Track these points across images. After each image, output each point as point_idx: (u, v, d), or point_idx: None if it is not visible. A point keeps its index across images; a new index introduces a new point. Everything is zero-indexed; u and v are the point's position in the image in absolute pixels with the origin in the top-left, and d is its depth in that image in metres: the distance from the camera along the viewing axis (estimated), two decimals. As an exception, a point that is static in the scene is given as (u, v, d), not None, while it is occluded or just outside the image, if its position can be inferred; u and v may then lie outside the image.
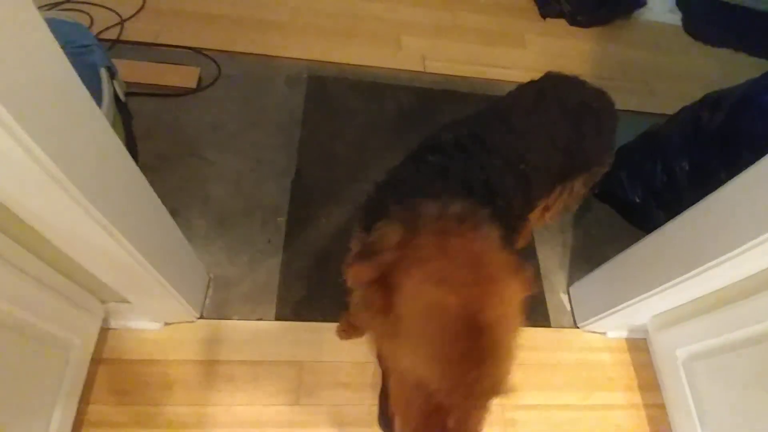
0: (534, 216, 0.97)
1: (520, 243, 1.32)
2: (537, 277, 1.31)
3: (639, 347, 1.22)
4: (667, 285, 0.93)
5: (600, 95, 0.94)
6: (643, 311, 1.07)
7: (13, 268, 0.68)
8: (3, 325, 0.68)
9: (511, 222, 0.69)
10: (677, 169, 1.28)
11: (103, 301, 0.95)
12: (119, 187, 0.67)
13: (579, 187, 0.94)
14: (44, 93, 0.48)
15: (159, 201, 0.83)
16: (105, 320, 1.00)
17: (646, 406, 1.16)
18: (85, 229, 0.63)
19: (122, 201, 0.68)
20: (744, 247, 0.77)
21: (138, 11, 1.57)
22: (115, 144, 0.65)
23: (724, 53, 2.08)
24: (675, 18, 2.14)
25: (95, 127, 0.60)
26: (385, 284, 0.44)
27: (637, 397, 1.16)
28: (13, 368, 0.70)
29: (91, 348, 0.92)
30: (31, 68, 0.46)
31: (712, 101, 1.25)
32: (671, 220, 0.94)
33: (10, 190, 0.54)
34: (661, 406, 1.14)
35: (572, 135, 0.83)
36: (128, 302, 0.94)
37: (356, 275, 0.46)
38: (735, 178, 0.80)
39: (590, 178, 0.95)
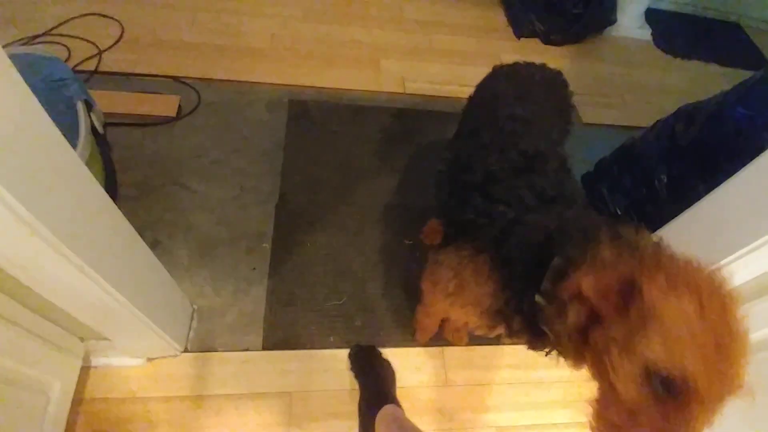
0: None
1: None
2: (525, 293, 1.31)
3: (630, 359, 1.22)
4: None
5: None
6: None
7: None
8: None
9: None
10: (656, 182, 1.31)
11: (82, 339, 0.92)
12: (92, 224, 0.66)
13: None
14: (8, 133, 0.47)
15: (137, 235, 0.81)
16: (85, 358, 0.96)
17: (641, 419, 1.15)
18: (57, 269, 0.61)
19: (96, 238, 0.66)
20: (728, 259, 0.78)
21: (116, 42, 1.57)
22: (87, 181, 0.63)
23: (695, 65, 2.15)
24: (645, 33, 2.22)
25: (66, 165, 0.59)
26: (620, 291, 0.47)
27: (631, 411, 1.15)
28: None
29: (71, 389, 0.88)
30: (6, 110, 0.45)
31: (686, 114, 1.28)
32: (658, 232, 0.95)
33: None
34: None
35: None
36: (108, 339, 0.91)
37: (596, 285, 0.49)
38: (709, 194, 0.82)
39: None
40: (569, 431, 1.10)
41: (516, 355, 1.19)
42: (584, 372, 1.14)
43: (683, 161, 1.21)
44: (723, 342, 0.43)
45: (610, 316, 0.48)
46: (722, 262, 0.78)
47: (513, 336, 0.69)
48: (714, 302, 0.44)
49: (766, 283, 0.83)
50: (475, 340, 1.18)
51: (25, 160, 0.50)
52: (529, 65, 1.00)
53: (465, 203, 0.77)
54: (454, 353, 1.16)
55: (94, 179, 0.65)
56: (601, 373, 0.50)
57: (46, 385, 0.81)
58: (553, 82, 0.98)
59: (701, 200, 0.83)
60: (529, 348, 0.68)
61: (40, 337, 0.79)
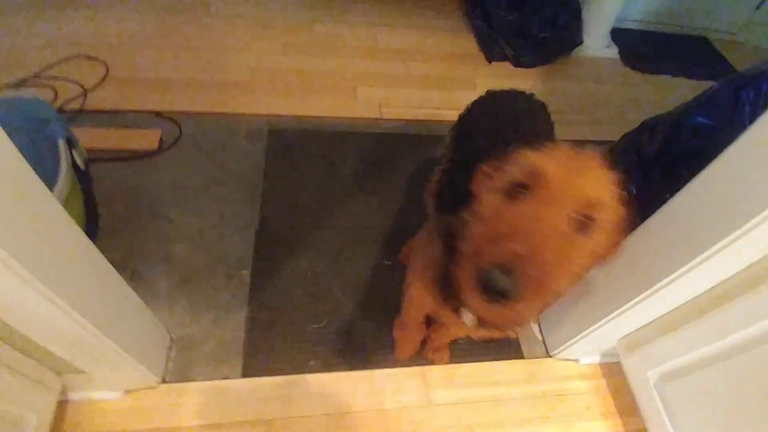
0: None
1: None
2: (506, 308, 1.31)
3: (614, 372, 1.22)
4: (626, 306, 0.95)
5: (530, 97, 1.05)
6: (609, 334, 1.08)
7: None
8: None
9: None
10: (626, 194, 1.34)
11: (58, 373, 0.91)
12: (65, 259, 0.67)
13: None
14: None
15: (111, 268, 0.83)
16: (63, 393, 0.95)
17: None
18: (29, 302, 0.62)
19: (69, 272, 0.68)
20: (690, 264, 0.80)
21: (100, 82, 1.62)
22: (62, 219, 0.66)
23: (664, 79, 2.23)
24: (612, 52, 2.31)
25: (40, 204, 0.61)
26: None
27: (618, 424, 1.15)
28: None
29: (48, 423, 0.87)
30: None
31: (649, 126, 1.33)
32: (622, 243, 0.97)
33: None
34: (644, 431, 1.13)
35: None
36: (84, 373, 0.91)
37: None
38: (674, 197, 0.85)
39: None
40: (554, 446, 1.09)
41: (498, 372, 1.19)
42: (565, 386, 1.14)
43: (650, 172, 1.25)
44: (576, 172, 0.54)
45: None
46: (682, 269, 0.81)
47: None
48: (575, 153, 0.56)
49: (725, 291, 0.84)
50: (457, 359, 1.18)
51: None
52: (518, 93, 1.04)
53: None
54: (436, 373, 1.16)
55: (68, 217, 0.67)
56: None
57: (21, 419, 0.80)
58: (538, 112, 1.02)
59: (665, 205, 0.86)
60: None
61: (15, 370, 0.79)
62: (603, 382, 1.21)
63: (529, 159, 0.54)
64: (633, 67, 2.28)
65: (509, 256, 0.46)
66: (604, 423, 1.14)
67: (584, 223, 0.52)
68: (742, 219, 0.68)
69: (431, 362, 1.17)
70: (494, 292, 0.46)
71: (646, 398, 1.05)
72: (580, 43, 2.22)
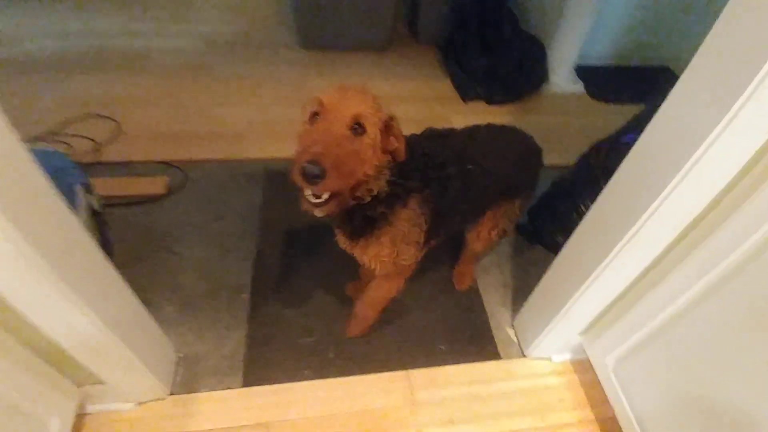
0: (484, 234, 1.26)
1: (465, 284, 1.48)
2: (484, 316, 1.43)
3: (585, 368, 1.32)
4: (573, 298, 1.09)
5: (532, 142, 1.24)
6: (568, 328, 1.20)
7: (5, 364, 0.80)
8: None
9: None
10: (583, 209, 1.50)
11: (79, 385, 1.04)
12: (96, 279, 0.85)
13: (516, 207, 1.23)
14: (32, 205, 0.67)
15: (129, 290, 0.99)
16: (81, 406, 1.07)
17: (599, 420, 1.23)
18: (69, 316, 0.78)
19: (98, 291, 0.85)
20: (612, 253, 0.94)
21: (112, 137, 1.84)
22: (89, 244, 0.83)
23: (628, 108, 2.42)
24: (578, 87, 2.54)
25: (75, 233, 0.79)
26: None
27: (589, 414, 1.24)
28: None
29: (68, 427, 0.99)
30: (26, 190, 0.65)
31: (596, 147, 1.51)
32: (566, 243, 1.12)
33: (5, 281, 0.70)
34: (614, 419, 1.21)
35: (517, 162, 1.16)
36: (102, 383, 1.04)
37: None
38: (597, 198, 1.01)
39: (524, 201, 1.24)
40: (530, 438, 1.18)
41: (476, 372, 1.29)
42: (539, 382, 1.28)
43: (596, 185, 1.40)
44: (345, 96, 0.79)
45: None
46: (613, 252, 0.95)
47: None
48: (345, 88, 0.79)
49: (651, 277, 0.98)
50: (438, 362, 1.29)
51: (47, 228, 0.69)
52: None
53: None
54: (418, 375, 1.27)
55: (95, 245, 0.84)
56: None
57: (46, 420, 0.92)
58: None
59: (590, 209, 1.02)
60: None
61: (42, 376, 0.92)
62: (575, 377, 1.30)
63: (316, 99, 0.80)
64: (598, 99, 2.50)
65: (312, 155, 0.71)
66: (575, 413, 1.23)
67: (356, 128, 0.79)
68: (637, 216, 0.84)
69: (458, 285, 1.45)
70: (310, 177, 0.71)
71: (608, 384, 1.15)
72: (547, 80, 2.46)
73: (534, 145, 1.25)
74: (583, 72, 2.57)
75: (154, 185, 1.66)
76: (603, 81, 2.56)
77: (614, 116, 2.38)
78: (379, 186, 0.89)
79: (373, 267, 1.03)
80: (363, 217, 0.93)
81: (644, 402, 1.04)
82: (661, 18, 2.52)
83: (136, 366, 1.02)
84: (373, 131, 0.80)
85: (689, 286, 0.90)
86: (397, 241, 0.97)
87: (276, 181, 1.76)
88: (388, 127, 0.84)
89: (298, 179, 0.74)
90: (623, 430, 1.13)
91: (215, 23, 2.68)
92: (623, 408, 1.09)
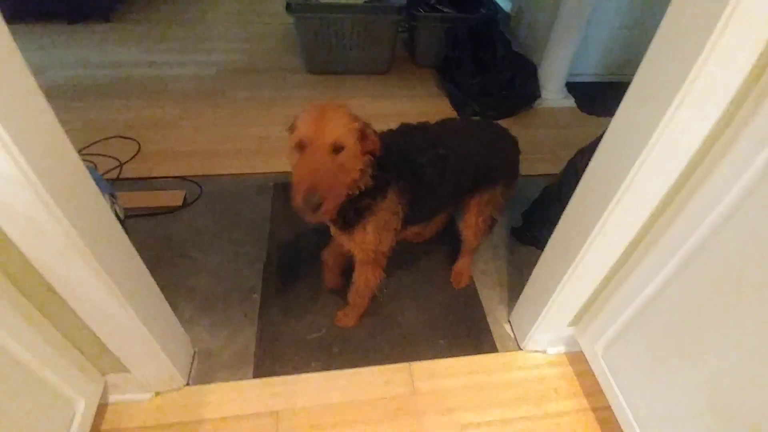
0: (472, 221, 1.36)
1: (462, 282, 1.56)
2: (481, 313, 1.51)
3: (578, 359, 1.37)
4: (559, 287, 1.17)
5: (505, 132, 1.35)
6: (557, 318, 1.27)
7: (38, 334, 0.90)
8: (29, 375, 0.87)
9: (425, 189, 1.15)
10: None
11: (103, 374, 1.13)
12: (132, 274, 0.97)
13: (498, 195, 1.31)
14: (85, 206, 0.78)
15: (156, 286, 1.10)
16: (102, 396, 1.16)
17: (595, 409, 1.28)
18: (106, 303, 0.89)
19: (133, 285, 0.96)
20: (587, 244, 1.03)
21: (133, 156, 1.98)
22: (126, 243, 0.95)
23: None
24: (569, 102, 2.67)
25: (114, 230, 0.91)
26: None
27: (584, 403, 1.29)
28: (30, 414, 0.87)
29: (93, 410, 1.07)
30: (83, 195, 0.76)
31: (581, 151, 1.61)
32: (549, 240, 1.21)
33: (56, 268, 0.80)
34: (609, 408, 1.26)
35: (488, 151, 1.26)
36: (127, 371, 1.12)
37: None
38: (572, 196, 1.10)
39: (506, 189, 1.32)
40: (525, 423, 1.23)
41: (475, 365, 1.36)
42: (535, 373, 1.36)
43: (583, 186, 1.50)
44: (319, 127, 0.89)
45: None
46: (580, 253, 1.04)
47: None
48: (319, 113, 0.91)
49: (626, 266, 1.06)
50: (437, 355, 1.36)
51: (95, 225, 0.80)
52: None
53: None
54: (420, 367, 1.33)
55: (129, 242, 0.96)
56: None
57: (73, 400, 1.01)
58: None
59: (567, 207, 1.13)
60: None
61: (74, 361, 1.01)
62: (569, 368, 1.36)
63: (298, 129, 0.91)
64: (589, 113, 2.62)
65: (306, 191, 0.85)
66: (571, 402, 1.28)
67: (338, 149, 0.90)
68: (603, 207, 0.94)
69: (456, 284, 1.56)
70: (313, 210, 0.86)
71: (599, 371, 1.21)
72: (539, 96, 2.59)
73: (507, 134, 1.36)
74: (574, 88, 2.70)
75: (172, 198, 1.78)
76: (592, 96, 2.68)
77: (604, 128, 2.50)
78: (366, 182, 1.00)
79: (355, 253, 1.15)
80: (354, 210, 1.04)
81: (633, 384, 1.10)
82: (643, 37, 2.66)
83: (160, 356, 1.11)
84: (351, 146, 0.92)
85: (660, 269, 0.98)
86: (379, 228, 1.09)
87: (284, 193, 1.88)
88: (363, 134, 0.95)
89: (301, 211, 0.87)
90: (616, 415, 1.18)
91: (226, 53, 2.88)
92: (615, 394, 1.15)
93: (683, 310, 0.94)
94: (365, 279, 1.27)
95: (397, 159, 1.08)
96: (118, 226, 0.92)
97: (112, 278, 0.86)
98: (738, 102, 0.76)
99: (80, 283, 0.83)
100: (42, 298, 0.88)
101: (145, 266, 1.04)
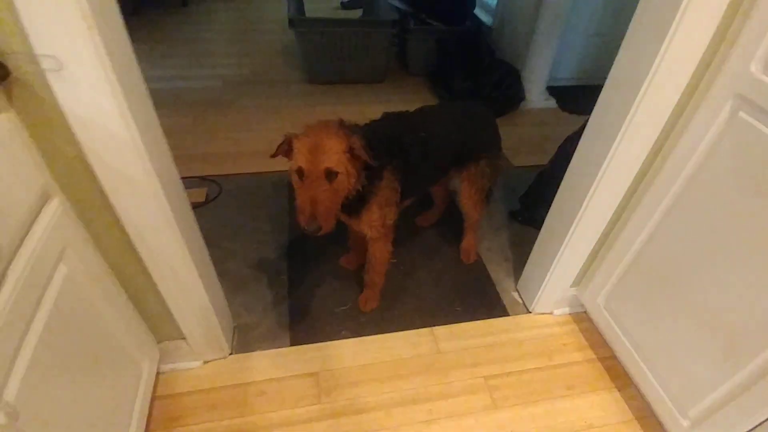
0: (468, 193, 1.52)
1: (471, 257, 1.71)
2: (490, 283, 1.66)
3: (583, 318, 1.53)
4: (560, 251, 1.33)
5: (481, 107, 1.52)
6: (560, 280, 1.43)
7: (119, 294, 1.01)
8: (109, 331, 0.98)
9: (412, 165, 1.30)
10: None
11: (159, 341, 1.23)
12: (202, 255, 1.11)
13: (485, 166, 1.47)
14: (179, 197, 0.92)
15: (211, 263, 1.22)
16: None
17: (601, 359, 1.43)
18: (177, 260, 1.01)
19: (203, 263, 1.11)
20: (581, 211, 1.21)
21: (155, 161, 2.10)
22: (195, 225, 1.08)
23: (595, 119, 2.78)
24: (551, 103, 2.90)
25: (190, 215, 1.05)
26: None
27: (591, 354, 1.44)
28: (110, 369, 0.98)
29: (154, 375, 1.17)
30: (177, 188, 0.90)
31: (569, 137, 1.81)
32: (548, 213, 1.39)
33: (144, 227, 0.93)
34: (613, 357, 1.42)
35: (465, 127, 1.43)
36: (182, 338, 1.23)
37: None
38: (566, 171, 1.29)
39: (491, 160, 1.49)
40: (539, 373, 1.37)
41: (489, 327, 1.50)
42: (544, 331, 1.53)
43: (574, 165, 1.69)
44: (314, 156, 1.03)
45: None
46: (576, 218, 1.22)
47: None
48: (313, 140, 1.04)
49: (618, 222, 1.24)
50: (456, 320, 1.50)
51: (182, 210, 0.94)
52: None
53: None
54: (441, 331, 1.47)
55: (190, 208, 1.09)
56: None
57: (140, 363, 1.11)
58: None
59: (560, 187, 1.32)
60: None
61: (141, 325, 1.12)
62: (575, 326, 1.52)
63: (296, 158, 1.07)
64: (569, 112, 2.85)
65: (307, 219, 1.02)
66: (579, 353, 1.43)
67: (332, 175, 1.05)
68: (594, 173, 1.11)
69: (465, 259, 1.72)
70: (313, 233, 1.04)
71: (603, 322, 1.36)
72: (524, 98, 2.81)
73: (482, 110, 1.54)
74: (554, 91, 2.94)
75: (195, 195, 1.90)
76: (571, 97, 2.92)
77: (583, 122, 2.73)
78: (361, 183, 1.15)
79: (366, 232, 1.29)
80: (358, 199, 1.19)
81: (635, 325, 1.25)
82: (615, 43, 2.92)
83: (213, 323, 1.23)
84: (343, 170, 1.06)
85: (647, 221, 1.15)
86: (382, 205, 1.24)
87: (299, 188, 2.02)
88: (352, 154, 1.07)
89: (306, 232, 1.05)
90: (622, 358, 1.32)
91: (230, 67, 3.04)
92: (622, 342, 1.30)
93: (670, 252, 1.11)
94: (378, 254, 1.40)
95: (386, 143, 1.23)
96: (186, 196, 1.04)
97: (186, 241, 0.99)
98: (691, 89, 0.98)
99: (161, 242, 0.96)
100: (121, 259, 0.99)
101: (201, 235, 1.16)
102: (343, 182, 1.08)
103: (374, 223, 1.27)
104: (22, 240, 0.71)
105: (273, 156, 1.14)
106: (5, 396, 0.61)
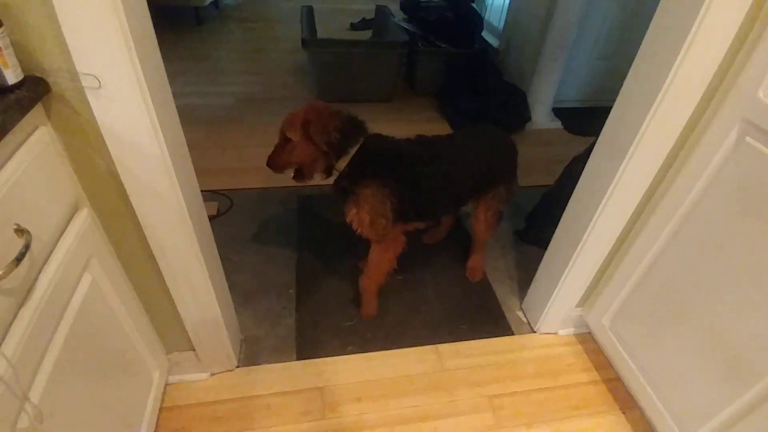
0: (482, 216, 1.55)
1: (477, 276, 1.73)
2: (496, 302, 1.67)
3: (588, 339, 1.54)
4: (565, 272, 1.35)
5: (505, 135, 1.57)
6: (565, 300, 1.44)
7: (135, 302, 1.03)
8: (125, 336, 1.00)
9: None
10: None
11: (168, 353, 1.25)
12: (213, 259, 1.14)
13: (502, 191, 1.52)
14: (198, 209, 0.95)
15: (224, 276, 1.25)
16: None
17: (605, 380, 1.43)
18: (193, 271, 1.04)
19: (214, 270, 1.15)
20: (585, 233, 1.24)
21: (168, 174, 2.14)
22: (211, 236, 1.12)
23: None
24: (557, 124, 2.95)
25: (207, 227, 1.08)
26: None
27: (596, 375, 1.44)
28: (122, 375, 1.00)
29: (163, 384, 1.18)
30: (197, 201, 0.94)
31: (575, 158, 1.84)
32: (553, 236, 1.42)
33: (164, 237, 0.96)
34: (618, 379, 1.42)
35: (490, 158, 1.49)
36: (192, 350, 1.24)
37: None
38: (573, 194, 1.32)
39: (508, 187, 1.53)
40: (544, 394, 1.38)
41: (494, 346, 1.51)
42: (549, 351, 1.54)
43: (580, 187, 1.72)
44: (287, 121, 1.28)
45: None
46: (581, 240, 1.24)
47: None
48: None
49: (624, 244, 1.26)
50: (461, 338, 1.51)
51: (194, 199, 0.97)
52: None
53: None
54: (446, 348, 1.48)
55: (208, 221, 1.12)
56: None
57: (152, 372, 1.13)
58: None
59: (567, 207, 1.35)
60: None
61: (153, 336, 1.14)
62: (579, 347, 1.53)
63: (285, 129, 1.30)
64: (575, 133, 2.90)
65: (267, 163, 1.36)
66: (584, 374, 1.44)
67: (286, 139, 1.29)
68: (599, 200, 1.15)
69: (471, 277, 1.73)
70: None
71: (608, 344, 1.37)
72: (529, 119, 2.87)
73: (507, 139, 1.59)
74: (560, 112, 2.99)
75: (207, 209, 1.93)
76: (577, 118, 2.98)
77: (589, 144, 2.78)
78: (339, 167, 1.30)
79: (356, 228, 1.36)
80: (340, 188, 1.36)
81: (640, 348, 1.26)
82: (619, 66, 3.00)
83: (222, 335, 1.25)
84: (294, 136, 1.28)
85: (652, 244, 1.18)
86: (364, 209, 1.30)
87: (306, 203, 2.06)
88: (305, 127, 1.25)
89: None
90: (627, 380, 1.33)
91: (242, 85, 3.12)
92: (624, 360, 1.31)
93: (676, 274, 1.13)
94: (375, 258, 1.44)
95: (395, 162, 1.31)
96: (205, 212, 1.08)
97: (204, 255, 1.02)
98: (698, 112, 1.01)
99: (180, 253, 0.98)
100: (138, 270, 1.02)
101: (217, 251, 1.19)
102: (299, 150, 1.32)
103: (356, 220, 1.34)
104: (53, 247, 0.74)
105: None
106: (32, 397, 0.63)
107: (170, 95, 0.87)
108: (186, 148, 0.97)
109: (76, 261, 0.78)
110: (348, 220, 1.37)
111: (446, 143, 1.45)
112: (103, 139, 0.77)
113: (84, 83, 0.70)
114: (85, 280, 0.81)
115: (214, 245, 1.19)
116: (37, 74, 0.69)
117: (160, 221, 0.91)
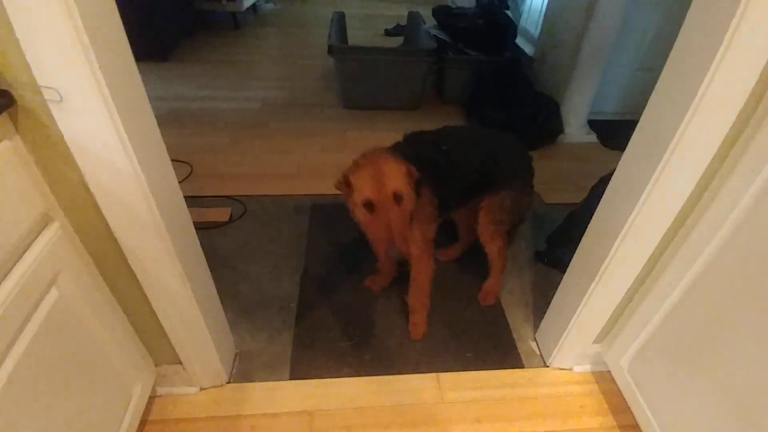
0: (486, 225, 1.46)
1: (489, 300, 1.62)
2: (507, 330, 1.56)
3: (606, 378, 1.40)
4: (581, 305, 1.22)
5: (512, 138, 1.49)
6: (582, 336, 1.31)
7: (113, 315, 1.02)
8: (99, 351, 0.98)
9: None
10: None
11: (156, 364, 1.23)
12: (203, 278, 1.10)
13: (505, 198, 1.41)
14: (173, 200, 0.92)
15: (214, 287, 1.22)
16: (152, 388, 1.25)
17: (621, 427, 1.29)
18: (174, 287, 1.01)
19: (202, 286, 1.10)
20: (604, 265, 1.11)
21: (186, 177, 2.17)
22: (197, 247, 1.10)
23: (639, 158, 2.63)
24: (592, 137, 2.77)
25: (186, 222, 1.04)
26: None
27: (610, 420, 1.30)
28: (95, 388, 0.98)
29: (146, 398, 1.16)
30: (180, 213, 0.91)
31: (602, 179, 1.70)
32: (571, 262, 1.29)
33: (142, 253, 0.93)
34: (635, 427, 1.27)
35: (489, 151, 1.41)
36: (179, 363, 1.22)
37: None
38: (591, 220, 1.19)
39: (515, 194, 1.42)
40: (553, 436, 1.25)
41: (501, 378, 1.40)
42: (561, 389, 1.43)
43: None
44: (379, 183, 1.05)
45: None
46: (600, 271, 1.12)
47: None
48: (373, 170, 1.06)
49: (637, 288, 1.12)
50: (465, 368, 1.41)
51: (176, 216, 0.94)
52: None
53: None
54: (448, 378, 1.38)
55: (196, 237, 1.09)
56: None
57: (131, 386, 1.11)
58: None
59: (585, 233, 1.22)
60: None
61: (135, 346, 1.12)
62: (596, 386, 1.38)
63: (361, 191, 1.08)
64: (611, 148, 2.71)
65: (388, 250, 1.07)
66: (597, 419, 1.30)
67: (399, 198, 1.07)
68: (618, 230, 1.02)
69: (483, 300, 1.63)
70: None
71: (625, 385, 1.24)
72: (562, 132, 2.71)
73: (513, 141, 1.49)
74: (596, 125, 2.81)
75: (219, 214, 1.94)
76: (614, 132, 2.78)
77: (629, 163, 2.58)
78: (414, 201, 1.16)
79: (410, 250, 1.29)
80: None
81: (659, 397, 1.12)
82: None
83: (210, 351, 1.22)
84: (408, 190, 1.09)
85: (677, 284, 1.04)
86: (423, 221, 1.23)
87: (319, 213, 2.01)
88: (409, 173, 1.12)
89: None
90: (644, 429, 1.19)
91: (270, 89, 3.14)
92: (641, 407, 1.17)
93: (702, 321, 0.99)
94: (424, 272, 1.38)
95: (417, 159, 1.21)
96: (191, 226, 1.05)
97: (185, 269, 0.99)
98: (733, 137, 0.87)
99: (158, 268, 0.96)
100: (120, 283, 1.00)
101: (207, 265, 1.16)
102: (408, 203, 1.10)
103: (417, 239, 1.27)
104: (16, 261, 0.72)
105: (338, 189, 1.19)
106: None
107: (147, 106, 0.84)
108: (167, 160, 0.93)
109: (40, 275, 0.76)
110: (407, 246, 1.29)
111: (438, 133, 1.41)
112: (71, 153, 0.75)
113: (46, 96, 0.68)
114: (51, 296, 0.79)
115: (204, 263, 1.16)
116: (3, 87, 0.68)
117: (135, 237, 0.89)
